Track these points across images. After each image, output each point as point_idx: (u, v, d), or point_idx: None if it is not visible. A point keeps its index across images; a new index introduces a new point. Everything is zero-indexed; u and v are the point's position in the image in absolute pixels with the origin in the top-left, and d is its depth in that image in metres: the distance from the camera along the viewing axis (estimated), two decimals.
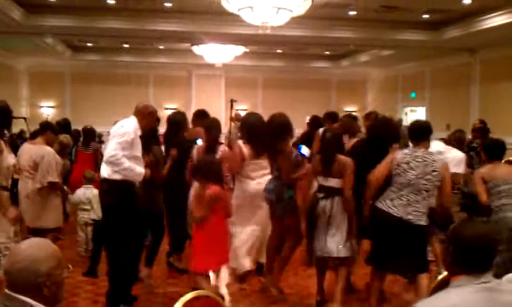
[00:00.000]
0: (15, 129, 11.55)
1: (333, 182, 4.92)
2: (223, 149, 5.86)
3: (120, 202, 4.95)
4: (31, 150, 6.08)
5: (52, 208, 6.18)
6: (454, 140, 6.78)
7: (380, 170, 4.72)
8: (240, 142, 5.70)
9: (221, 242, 4.78)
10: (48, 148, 6.24)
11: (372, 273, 4.90)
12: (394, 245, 4.60)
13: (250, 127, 5.74)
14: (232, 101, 8.93)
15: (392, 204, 4.59)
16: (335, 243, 4.90)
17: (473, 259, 2.17)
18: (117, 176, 4.93)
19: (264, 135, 5.44)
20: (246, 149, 5.57)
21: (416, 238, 4.62)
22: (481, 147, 5.76)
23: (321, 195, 4.97)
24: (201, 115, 6.79)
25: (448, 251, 2.25)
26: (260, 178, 5.63)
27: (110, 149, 4.93)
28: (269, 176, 5.57)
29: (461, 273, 2.18)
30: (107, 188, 5.01)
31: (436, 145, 5.97)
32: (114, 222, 5.03)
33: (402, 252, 4.56)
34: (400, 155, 4.72)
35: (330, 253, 4.93)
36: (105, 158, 5.03)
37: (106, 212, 5.21)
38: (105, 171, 4.99)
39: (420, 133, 4.82)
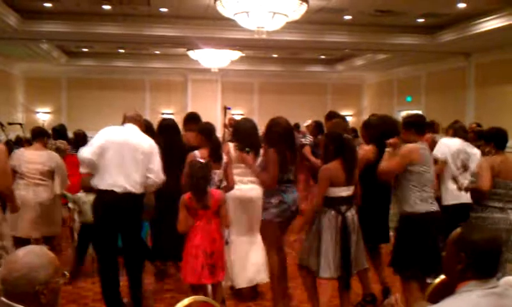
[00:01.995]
0: (12, 135, 11.52)
1: (352, 190, 4.65)
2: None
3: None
4: (42, 157, 5.99)
5: (60, 214, 6.22)
6: (462, 130, 6.35)
7: (394, 164, 4.56)
8: (230, 144, 5.50)
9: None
10: (56, 154, 6.26)
11: (411, 286, 4.60)
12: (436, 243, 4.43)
13: (243, 131, 5.54)
14: (225, 108, 8.92)
15: (432, 202, 4.53)
16: (363, 254, 4.75)
17: (485, 264, 2.16)
18: (142, 190, 4.87)
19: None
20: (233, 152, 5.37)
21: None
22: (487, 136, 5.26)
23: (344, 207, 4.57)
24: (193, 119, 6.56)
25: (458, 257, 2.19)
26: (245, 184, 5.37)
27: (160, 167, 4.87)
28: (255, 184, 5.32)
29: (469, 279, 2.16)
30: (137, 202, 4.86)
31: (458, 142, 6.05)
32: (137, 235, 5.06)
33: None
34: (422, 151, 4.54)
35: (362, 266, 4.77)
36: (153, 176, 4.84)
37: (135, 226, 4.98)
38: (135, 186, 4.76)
39: (423, 126, 4.76)
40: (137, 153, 4.73)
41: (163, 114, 18.52)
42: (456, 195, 5.82)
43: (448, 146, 5.97)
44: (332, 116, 6.87)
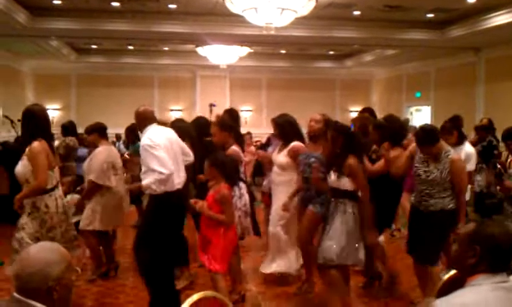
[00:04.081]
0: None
1: None
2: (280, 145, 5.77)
3: None
4: (116, 151, 6.36)
5: None
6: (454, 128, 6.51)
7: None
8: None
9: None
10: None
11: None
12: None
13: (289, 125, 5.68)
14: (211, 105, 8.95)
15: None
16: None
17: (499, 257, 2.15)
18: None
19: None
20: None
21: None
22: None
23: None
24: (229, 113, 6.67)
25: (472, 251, 2.19)
26: None
27: None
28: None
29: (480, 272, 2.16)
30: None
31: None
32: None
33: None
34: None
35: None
36: (190, 157, 5.20)
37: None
38: (184, 175, 5.03)
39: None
40: (178, 147, 4.98)
41: (172, 110, 18.59)
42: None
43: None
44: (362, 111, 7.24)
